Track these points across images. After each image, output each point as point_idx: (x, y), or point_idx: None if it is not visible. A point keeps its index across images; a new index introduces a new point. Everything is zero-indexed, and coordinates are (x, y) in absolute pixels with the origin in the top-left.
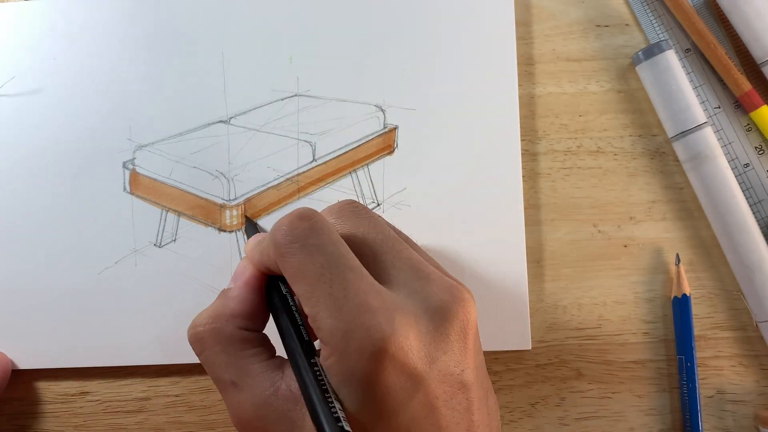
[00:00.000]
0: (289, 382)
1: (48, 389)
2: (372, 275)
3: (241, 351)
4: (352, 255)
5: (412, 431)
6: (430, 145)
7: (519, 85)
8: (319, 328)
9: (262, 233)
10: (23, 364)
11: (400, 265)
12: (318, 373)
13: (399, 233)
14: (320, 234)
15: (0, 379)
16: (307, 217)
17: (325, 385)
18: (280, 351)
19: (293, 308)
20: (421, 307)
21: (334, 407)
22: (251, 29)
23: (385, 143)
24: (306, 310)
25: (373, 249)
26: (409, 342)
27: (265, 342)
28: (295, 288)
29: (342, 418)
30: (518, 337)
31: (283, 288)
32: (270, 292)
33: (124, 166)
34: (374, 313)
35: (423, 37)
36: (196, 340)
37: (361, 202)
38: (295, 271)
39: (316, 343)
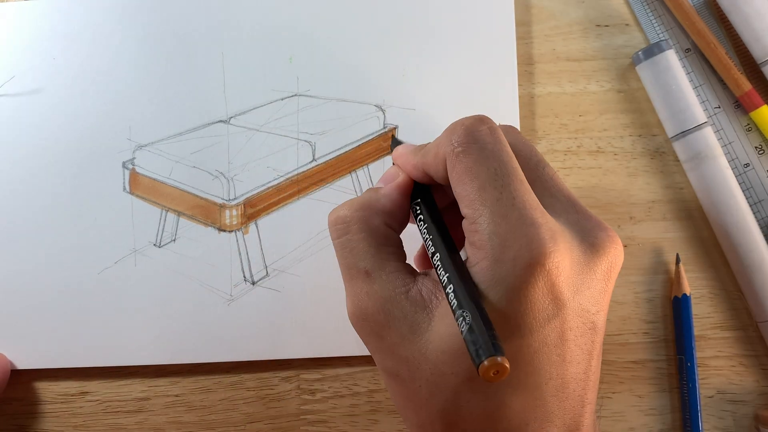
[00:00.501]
0: (420, 287)
1: (48, 389)
2: None
3: (382, 245)
4: (520, 169)
5: (540, 354)
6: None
7: (519, 85)
8: (477, 231)
9: (411, 144)
10: (23, 364)
11: (558, 194)
12: (464, 269)
13: None
14: (498, 140)
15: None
16: (485, 121)
17: (470, 280)
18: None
19: (439, 215)
20: (578, 237)
21: (478, 301)
22: (251, 29)
23: (385, 143)
24: (467, 211)
25: (535, 171)
26: (564, 264)
27: (401, 246)
28: (460, 188)
29: (485, 312)
30: None
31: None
32: (416, 198)
33: (124, 166)
34: (538, 228)
35: (423, 37)
36: (341, 222)
37: None
38: (466, 171)
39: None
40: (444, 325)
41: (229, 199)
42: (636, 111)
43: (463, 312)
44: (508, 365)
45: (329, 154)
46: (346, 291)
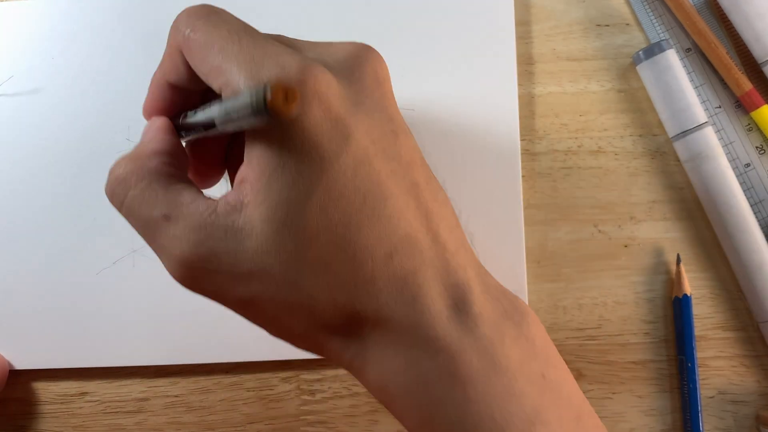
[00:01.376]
0: (226, 198)
1: (47, 390)
2: None
3: (169, 184)
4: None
5: (357, 177)
6: (430, 144)
7: (519, 85)
8: (229, 84)
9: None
10: (21, 365)
11: (300, 43)
12: None
13: None
14: (222, 12)
15: None
16: (205, 4)
17: None
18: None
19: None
20: (330, 59)
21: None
22: None
23: None
24: (219, 81)
25: (268, 34)
26: (329, 80)
27: (191, 182)
28: (203, 67)
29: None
30: None
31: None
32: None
33: None
34: (288, 54)
35: (422, 37)
36: (118, 183)
37: None
38: (201, 45)
39: None
40: (262, 207)
41: None
42: (636, 111)
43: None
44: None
45: None
46: (155, 250)
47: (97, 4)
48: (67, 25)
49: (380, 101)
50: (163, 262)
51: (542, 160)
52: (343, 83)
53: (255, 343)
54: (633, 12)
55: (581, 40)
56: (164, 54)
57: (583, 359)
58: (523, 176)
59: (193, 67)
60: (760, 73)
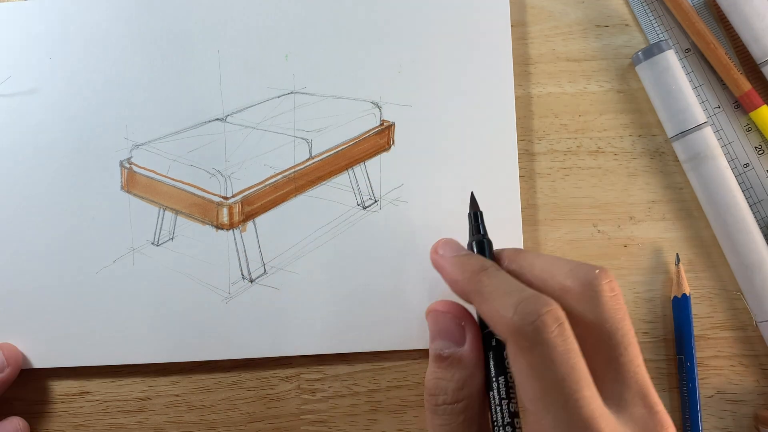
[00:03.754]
0: None
1: (48, 389)
2: (599, 381)
3: (483, 422)
4: (587, 371)
5: None
6: (427, 142)
7: (519, 86)
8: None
9: (455, 243)
10: (23, 364)
11: (632, 385)
12: None
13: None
14: (566, 341)
15: (11, 372)
16: (559, 318)
17: None
18: None
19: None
20: None
21: None
22: (247, 27)
23: (381, 140)
24: (530, 407)
25: (613, 353)
26: None
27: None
28: (523, 381)
29: None
30: None
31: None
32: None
33: (121, 164)
34: None
35: (419, 34)
36: (449, 414)
37: (359, 198)
38: (530, 368)
39: None
40: None
41: (227, 197)
42: (636, 111)
43: None
44: None
45: (326, 151)
46: None
47: (94, 4)
48: (65, 26)
49: None
50: None
51: (542, 161)
52: None
53: (254, 340)
54: (632, 12)
55: (580, 40)
56: (492, 303)
57: None
58: (522, 176)
59: (510, 362)
60: (759, 73)
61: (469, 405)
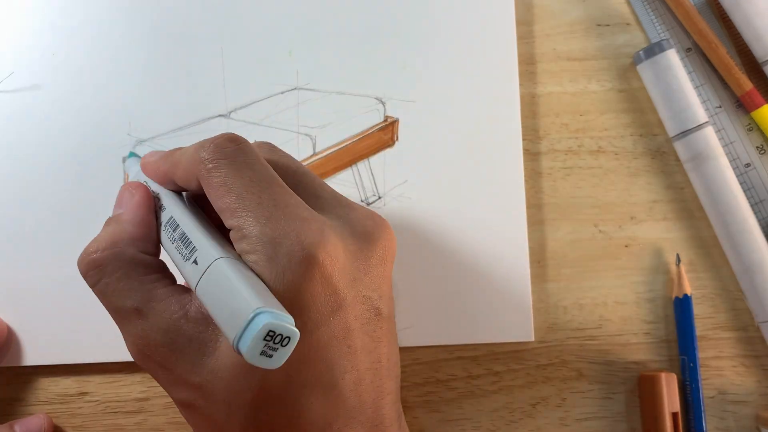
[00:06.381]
0: (198, 304)
1: (47, 390)
2: None
3: (144, 275)
4: (276, 175)
5: (330, 348)
6: (431, 138)
7: (520, 85)
8: (245, 236)
9: (159, 151)
10: (23, 361)
11: (323, 195)
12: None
13: None
14: (247, 153)
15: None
16: (235, 140)
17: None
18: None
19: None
20: (347, 228)
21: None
22: (250, 23)
23: (386, 136)
24: (231, 222)
25: (294, 178)
26: (338, 254)
27: (165, 268)
28: (219, 202)
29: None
30: (521, 329)
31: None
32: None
33: (124, 161)
34: (305, 222)
35: (423, 30)
36: (94, 266)
37: (363, 194)
38: (220, 185)
39: None
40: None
41: None
42: (637, 111)
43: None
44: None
45: (330, 147)
46: (122, 334)
47: (97, 1)
48: (67, 21)
49: (376, 280)
50: (126, 342)
51: (543, 160)
52: (349, 257)
53: None
54: (633, 12)
55: (582, 39)
56: (180, 160)
57: (584, 359)
58: (524, 176)
59: (206, 193)
60: (761, 72)
61: (116, 256)
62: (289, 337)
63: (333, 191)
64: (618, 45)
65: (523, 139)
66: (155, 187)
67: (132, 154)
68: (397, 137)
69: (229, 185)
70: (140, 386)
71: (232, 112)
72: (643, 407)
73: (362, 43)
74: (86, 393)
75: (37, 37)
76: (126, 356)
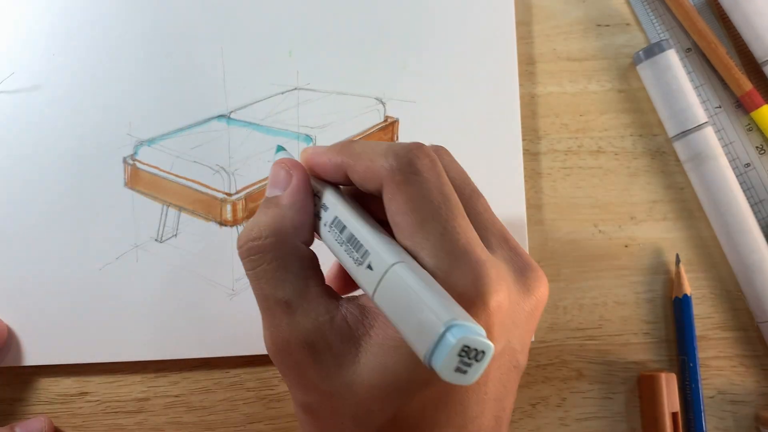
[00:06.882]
0: (345, 313)
1: (47, 390)
2: None
3: (301, 269)
4: (461, 203)
5: (467, 393)
6: (431, 138)
7: (520, 85)
8: (412, 247)
9: (323, 146)
10: (23, 361)
11: (492, 228)
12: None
13: None
14: (439, 173)
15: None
16: (429, 155)
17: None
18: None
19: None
20: (512, 276)
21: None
22: (250, 23)
23: (386, 136)
24: (407, 243)
25: (469, 203)
26: (504, 304)
27: (318, 264)
28: (399, 218)
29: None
30: None
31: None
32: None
33: (125, 161)
34: (483, 264)
35: (423, 30)
36: (256, 252)
37: None
38: (407, 201)
39: None
40: (373, 357)
41: (230, 194)
42: (637, 111)
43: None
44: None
45: None
46: (264, 322)
47: (97, 1)
48: (67, 22)
49: (524, 333)
50: (265, 331)
51: (542, 160)
52: (513, 299)
53: (257, 337)
54: (633, 12)
55: (581, 40)
56: (362, 157)
57: (583, 359)
58: (523, 176)
59: (385, 202)
60: (761, 72)
61: (278, 244)
62: (484, 351)
63: (501, 226)
64: (618, 45)
65: (523, 139)
66: (312, 181)
67: (280, 148)
68: (397, 137)
69: (417, 205)
70: (140, 386)
71: (232, 112)
72: (643, 407)
73: (362, 43)
74: (86, 393)
75: (37, 37)
76: (126, 356)
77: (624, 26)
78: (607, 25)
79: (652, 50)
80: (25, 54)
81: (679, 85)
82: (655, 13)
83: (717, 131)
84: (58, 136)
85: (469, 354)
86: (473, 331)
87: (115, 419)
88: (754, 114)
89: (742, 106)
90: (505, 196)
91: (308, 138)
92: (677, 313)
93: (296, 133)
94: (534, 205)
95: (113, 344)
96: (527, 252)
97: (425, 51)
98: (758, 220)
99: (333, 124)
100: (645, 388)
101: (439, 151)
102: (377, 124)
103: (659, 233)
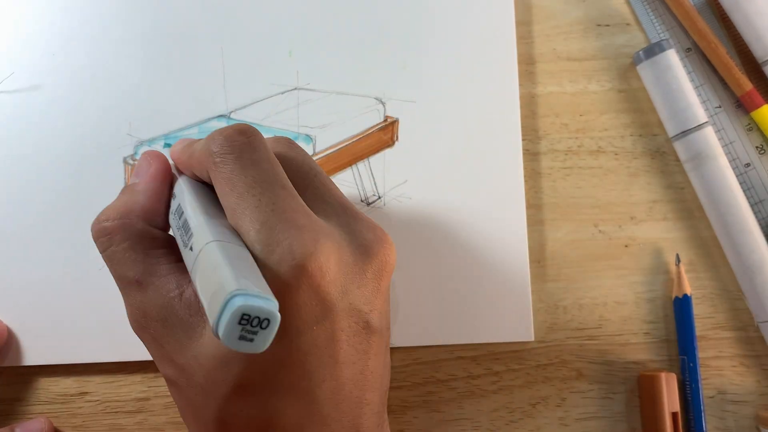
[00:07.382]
0: (194, 287)
1: (47, 389)
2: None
3: (149, 249)
4: (285, 176)
5: (310, 356)
6: (431, 138)
7: (520, 85)
8: (239, 228)
9: (189, 139)
10: (23, 361)
11: (330, 200)
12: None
13: None
14: (257, 150)
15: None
16: (246, 132)
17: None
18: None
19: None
20: (346, 238)
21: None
22: (250, 23)
23: (385, 136)
24: (231, 221)
25: (306, 179)
26: (329, 266)
27: (173, 244)
28: (222, 199)
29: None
30: (520, 329)
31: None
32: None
33: (125, 161)
34: (300, 230)
35: (423, 30)
36: (104, 234)
37: (363, 194)
38: (225, 182)
39: None
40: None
41: None
42: (637, 111)
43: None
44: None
45: (330, 147)
46: (124, 301)
47: (97, 1)
48: (67, 21)
49: (370, 294)
50: (126, 310)
51: (542, 160)
52: (342, 268)
53: None
54: (633, 12)
55: (581, 40)
56: (196, 151)
57: (583, 359)
58: (523, 176)
59: (215, 188)
60: (761, 72)
61: (125, 226)
62: (268, 319)
63: (341, 198)
64: (618, 45)
65: (523, 139)
66: (174, 172)
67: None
68: (397, 137)
69: (233, 183)
70: (140, 386)
71: (232, 112)
72: (643, 407)
73: (362, 43)
74: (86, 393)
75: (37, 37)
76: (126, 356)
77: (624, 26)
78: (607, 25)
79: (652, 50)
80: (25, 54)
81: (679, 85)
82: (655, 13)
83: (717, 131)
84: (58, 135)
85: (251, 322)
86: (255, 300)
87: (115, 419)
88: (754, 114)
89: (742, 106)
90: (504, 196)
91: (308, 138)
92: (677, 313)
93: (296, 133)
94: (534, 205)
95: (113, 344)
96: (375, 221)
97: (425, 51)
98: (758, 220)
99: (333, 124)
100: (645, 388)
101: (277, 139)
102: (377, 124)
103: (659, 233)
